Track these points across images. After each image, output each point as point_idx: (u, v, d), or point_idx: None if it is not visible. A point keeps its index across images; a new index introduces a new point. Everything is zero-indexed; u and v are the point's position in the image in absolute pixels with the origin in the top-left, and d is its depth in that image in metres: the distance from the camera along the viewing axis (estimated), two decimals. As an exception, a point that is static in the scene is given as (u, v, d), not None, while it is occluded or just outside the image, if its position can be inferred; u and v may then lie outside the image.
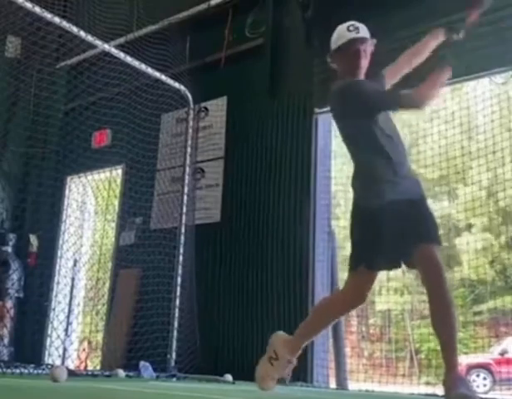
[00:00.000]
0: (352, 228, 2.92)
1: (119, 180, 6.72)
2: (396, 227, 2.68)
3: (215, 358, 5.12)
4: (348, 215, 2.96)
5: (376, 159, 2.80)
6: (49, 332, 6.46)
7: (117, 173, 6.73)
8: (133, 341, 5.33)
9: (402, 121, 5.43)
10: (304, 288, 4.93)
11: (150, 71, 5.48)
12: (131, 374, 4.35)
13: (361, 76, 2.92)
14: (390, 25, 4.92)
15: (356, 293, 2.91)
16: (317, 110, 5.31)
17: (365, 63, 2.91)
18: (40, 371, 3.81)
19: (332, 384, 4.94)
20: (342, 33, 2.91)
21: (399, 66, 3.11)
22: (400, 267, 2.86)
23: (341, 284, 5.45)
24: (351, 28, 2.89)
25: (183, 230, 5.50)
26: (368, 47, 2.91)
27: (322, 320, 3.06)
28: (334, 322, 3.24)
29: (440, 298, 2.61)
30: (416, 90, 2.78)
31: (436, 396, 3.88)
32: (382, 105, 2.84)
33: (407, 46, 4.73)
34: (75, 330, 6.53)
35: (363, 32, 2.92)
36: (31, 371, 3.77)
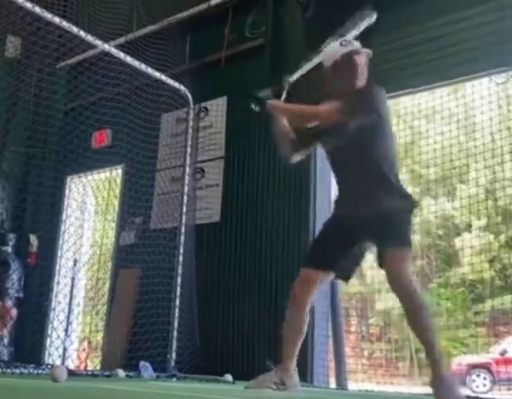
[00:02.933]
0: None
1: (119, 180, 6.72)
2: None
3: (215, 358, 5.11)
4: None
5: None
6: (49, 332, 6.47)
7: (117, 173, 6.73)
8: (133, 341, 5.32)
9: (403, 121, 5.44)
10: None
11: (150, 71, 5.48)
12: (131, 374, 4.35)
13: (360, 86, 2.92)
14: (390, 24, 4.93)
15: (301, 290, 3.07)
16: (317, 110, 5.30)
17: (363, 76, 2.92)
18: (40, 371, 3.80)
19: (332, 384, 4.94)
20: (336, 49, 2.93)
21: None
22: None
23: (341, 284, 5.45)
24: (343, 43, 2.93)
25: (183, 230, 5.50)
26: (363, 59, 2.93)
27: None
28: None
29: (411, 308, 2.66)
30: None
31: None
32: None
33: (407, 45, 4.75)
34: (75, 330, 6.53)
35: (356, 45, 2.95)
36: (31, 371, 3.76)
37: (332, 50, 2.95)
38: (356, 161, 2.86)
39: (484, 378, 11.77)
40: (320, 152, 5.29)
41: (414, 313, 2.65)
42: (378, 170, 2.84)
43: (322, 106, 2.89)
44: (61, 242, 6.81)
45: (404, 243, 2.78)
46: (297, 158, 3.08)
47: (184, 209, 5.59)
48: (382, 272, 2.91)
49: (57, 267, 6.74)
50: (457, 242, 14.29)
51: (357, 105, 2.78)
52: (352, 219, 2.83)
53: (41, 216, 6.86)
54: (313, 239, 3.09)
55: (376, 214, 2.76)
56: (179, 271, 5.35)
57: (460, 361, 12.13)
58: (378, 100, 2.86)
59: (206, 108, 6.09)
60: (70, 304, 6.31)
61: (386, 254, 2.75)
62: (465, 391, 3.32)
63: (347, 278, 3.08)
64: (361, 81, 2.92)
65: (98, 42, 5.15)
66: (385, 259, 2.76)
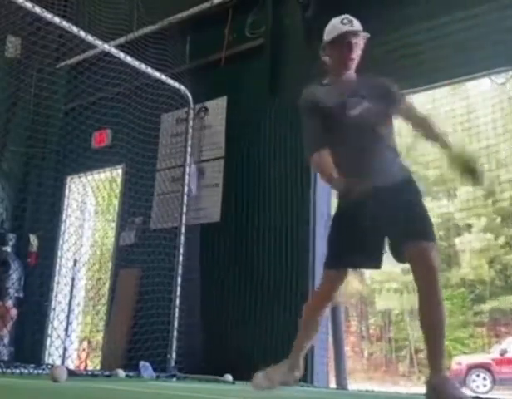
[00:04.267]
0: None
1: (119, 180, 6.72)
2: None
3: (215, 358, 5.11)
4: None
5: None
6: (49, 332, 6.47)
7: (117, 173, 6.73)
8: (133, 341, 5.32)
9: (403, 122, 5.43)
10: (305, 288, 4.93)
11: (150, 71, 5.48)
12: (131, 374, 4.35)
13: (353, 69, 2.97)
14: (390, 24, 4.93)
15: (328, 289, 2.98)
16: (317, 109, 5.30)
17: (357, 56, 2.96)
18: (40, 371, 3.80)
19: (332, 384, 4.94)
20: (336, 26, 2.96)
21: None
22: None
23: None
24: (344, 21, 2.95)
25: (183, 230, 5.50)
26: (361, 41, 2.96)
27: (309, 320, 3.06)
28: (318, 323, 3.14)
29: (430, 298, 2.62)
30: (320, 161, 2.82)
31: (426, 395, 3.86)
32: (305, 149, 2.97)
33: (407, 45, 4.75)
34: (75, 330, 6.53)
35: (356, 25, 2.97)
36: (31, 371, 3.76)
37: (332, 25, 3.00)
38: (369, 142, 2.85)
39: (484, 378, 11.78)
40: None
41: (435, 310, 2.61)
42: (391, 146, 2.89)
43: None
44: (61, 242, 6.81)
45: (434, 235, 2.75)
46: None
47: (184, 209, 5.59)
48: (382, 272, 2.90)
49: (57, 267, 6.74)
50: (457, 242, 14.31)
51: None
52: (366, 205, 2.68)
53: (41, 216, 6.86)
54: (329, 239, 3.02)
55: (394, 189, 2.70)
56: (179, 271, 5.35)
57: (460, 361, 12.14)
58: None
59: (206, 108, 6.10)
60: (70, 304, 6.31)
61: (420, 245, 2.65)
62: (466, 391, 3.31)
63: (377, 267, 2.96)
64: (354, 62, 2.97)
65: (98, 42, 5.15)
66: (416, 251, 2.65)
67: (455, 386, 2.57)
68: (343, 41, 2.92)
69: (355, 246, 2.77)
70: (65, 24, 4.84)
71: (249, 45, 5.87)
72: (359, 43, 2.95)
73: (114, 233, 6.56)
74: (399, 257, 2.79)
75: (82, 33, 4.96)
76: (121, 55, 5.25)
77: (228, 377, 4.42)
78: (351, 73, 2.98)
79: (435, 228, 2.83)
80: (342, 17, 2.98)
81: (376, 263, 2.90)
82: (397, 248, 2.77)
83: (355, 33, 2.93)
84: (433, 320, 2.62)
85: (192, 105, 5.90)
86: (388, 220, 2.70)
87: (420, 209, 2.78)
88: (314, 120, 2.90)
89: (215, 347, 5.20)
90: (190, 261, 5.45)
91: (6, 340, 6.17)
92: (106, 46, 5.25)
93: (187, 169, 5.73)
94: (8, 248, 6.58)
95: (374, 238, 2.79)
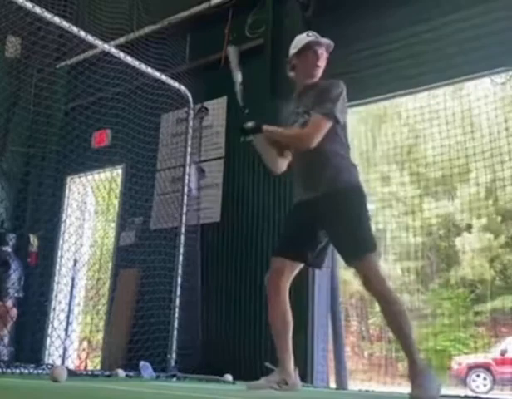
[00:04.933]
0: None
1: (119, 180, 6.72)
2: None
3: (215, 358, 5.11)
4: None
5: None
6: (49, 332, 6.46)
7: (117, 173, 6.73)
8: (133, 341, 5.32)
9: (402, 120, 5.44)
10: (304, 287, 4.93)
11: (150, 71, 5.48)
12: (131, 374, 4.35)
13: (319, 76, 3.16)
14: (389, 24, 4.93)
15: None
16: (317, 109, 5.30)
17: (322, 64, 3.15)
18: (40, 371, 3.80)
19: (332, 384, 4.94)
20: (302, 38, 3.22)
21: None
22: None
23: (341, 284, 5.45)
24: (310, 34, 3.20)
25: (183, 230, 5.49)
26: (325, 52, 3.16)
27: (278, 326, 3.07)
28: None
29: (381, 307, 2.79)
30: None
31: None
32: None
33: (407, 45, 4.75)
34: (75, 330, 6.53)
35: (321, 39, 3.17)
36: (31, 371, 3.76)
37: (297, 39, 3.24)
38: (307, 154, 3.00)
39: (485, 378, 11.75)
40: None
41: (393, 309, 2.75)
42: (323, 154, 2.97)
43: (305, 130, 3.01)
44: (61, 242, 6.81)
45: (365, 249, 2.83)
46: (283, 167, 3.22)
47: (185, 209, 5.59)
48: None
49: (57, 267, 6.74)
50: (457, 242, 14.28)
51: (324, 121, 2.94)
52: (308, 205, 2.96)
53: (41, 216, 6.86)
54: (281, 231, 3.23)
55: (325, 197, 2.89)
56: (179, 271, 5.35)
57: (460, 361, 12.13)
58: (338, 101, 2.98)
59: (206, 108, 6.09)
60: (70, 304, 6.32)
61: (353, 264, 2.87)
62: (463, 391, 3.33)
63: (318, 266, 3.18)
64: (320, 71, 3.14)
65: (98, 42, 5.15)
66: (353, 268, 2.90)
67: (428, 379, 2.67)
68: (309, 50, 3.13)
69: (293, 238, 3.00)
70: (65, 24, 4.84)
71: (249, 45, 5.87)
72: (324, 53, 3.15)
73: (114, 233, 6.56)
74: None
75: (82, 33, 4.96)
76: (121, 55, 5.25)
77: (228, 377, 4.42)
78: (314, 81, 3.14)
79: (369, 235, 2.89)
80: (307, 31, 3.23)
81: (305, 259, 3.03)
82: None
83: (320, 43, 3.14)
84: (392, 327, 2.78)
85: (192, 105, 5.90)
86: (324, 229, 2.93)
87: (347, 223, 2.85)
88: None
89: (215, 347, 5.20)
90: (190, 261, 5.45)
91: (6, 340, 6.16)
92: (106, 46, 5.25)
93: (187, 169, 5.73)
94: (8, 248, 6.57)
95: (309, 236, 2.97)
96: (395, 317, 2.74)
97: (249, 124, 3.13)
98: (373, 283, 2.76)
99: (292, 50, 3.26)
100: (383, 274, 2.84)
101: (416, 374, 2.68)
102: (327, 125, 2.93)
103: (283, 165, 3.22)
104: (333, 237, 2.93)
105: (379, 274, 2.79)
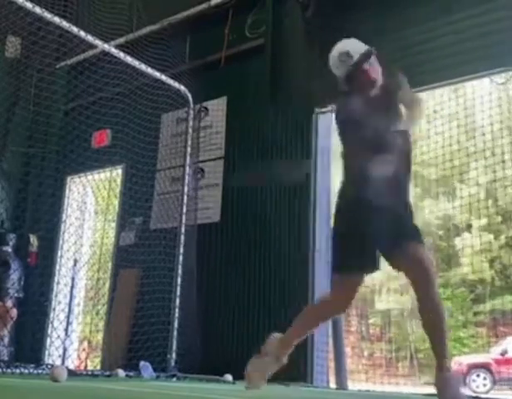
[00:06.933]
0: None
1: (119, 180, 6.72)
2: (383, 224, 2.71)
3: (215, 358, 5.11)
4: None
5: None
6: (49, 332, 6.46)
7: (117, 173, 6.73)
8: (133, 341, 5.32)
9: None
10: (304, 287, 4.93)
11: (150, 71, 5.48)
12: (131, 374, 4.35)
13: (379, 84, 2.94)
14: (390, 25, 4.93)
15: (346, 298, 2.96)
16: (317, 109, 5.31)
17: (377, 73, 2.93)
18: (40, 371, 3.80)
19: (332, 384, 4.94)
20: (339, 64, 2.94)
21: None
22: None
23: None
24: (342, 58, 2.92)
25: (183, 230, 5.49)
26: (372, 59, 2.93)
27: (311, 322, 3.12)
28: (321, 324, 3.23)
29: (430, 300, 2.67)
30: None
31: (436, 395, 3.87)
32: None
33: (407, 46, 4.74)
34: (75, 330, 6.53)
35: (355, 50, 2.92)
36: (31, 371, 3.76)
37: (335, 63, 2.98)
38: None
39: (485, 378, 11.76)
40: (320, 151, 5.30)
41: (436, 310, 2.65)
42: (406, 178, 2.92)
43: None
44: (61, 242, 6.81)
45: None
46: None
47: (184, 209, 5.59)
48: (382, 272, 2.89)
49: (57, 267, 6.74)
50: (457, 242, 14.28)
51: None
52: (379, 210, 2.70)
53: (41, 216, 6.86)
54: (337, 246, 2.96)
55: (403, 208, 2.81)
56: (179, 271, 5.35)
57: (460, 361, 12.13)
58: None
59: (206, 108, 6.09)
60: (70, 304, 6.31)
61: (415, 246, 2.74)
62: (465, 391, 3.32)
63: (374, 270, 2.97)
64: (378, 81, 2.95)
65: (98, 42, 5.14)
66: (412, 250, 2.72)
67: (456, 388, 2.58)
68: (357, 72, 2.88)
69: (355, 250, 2.75)
70: (65, 24, 4.83)
71: (249, 45, 5.88)
72: (373, 63, 2.92)
73: (114, 233, 6.56)
74: (390, 261, 2.81)
75: (82, 33, 4.96)
76: (121, 55, 5.25)
77: (228, 377, 4.41)
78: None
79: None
80: (338, 53, 2.95)
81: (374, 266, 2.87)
82: (389, 252, 2.79)
83: (364, 60, 2.89)
84: (435, 321, 2.65)
85: (192, 105, 5.89)
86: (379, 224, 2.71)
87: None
88: None
89: (215, 347, 5.20)
90: (189, 261, 5.45)
91: (6, 340, 6.16)
92: (106, 46, 5.25)
93: (187, 170, 5.72)
94: (8, 248, 6.57)
95: (369, 241, 2.77)
96: (437, 317, 2.66)
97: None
98: (431, 273, 2.73)
99: (337, 73, 2.99)
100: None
101: (444, 382, 2.58)
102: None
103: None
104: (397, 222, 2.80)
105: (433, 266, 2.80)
